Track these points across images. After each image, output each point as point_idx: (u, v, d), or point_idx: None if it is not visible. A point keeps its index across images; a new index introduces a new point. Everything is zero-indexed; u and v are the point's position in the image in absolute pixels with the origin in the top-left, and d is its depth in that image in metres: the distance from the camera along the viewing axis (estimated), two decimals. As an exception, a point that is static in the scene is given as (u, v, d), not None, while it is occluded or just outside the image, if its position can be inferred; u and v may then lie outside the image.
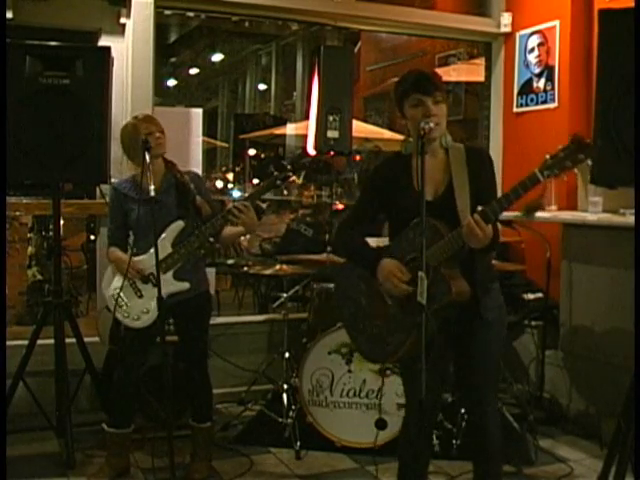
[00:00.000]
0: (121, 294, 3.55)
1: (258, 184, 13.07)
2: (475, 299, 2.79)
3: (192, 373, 3.75)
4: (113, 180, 4.01)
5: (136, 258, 3.52)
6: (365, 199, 3.07)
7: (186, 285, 3.56)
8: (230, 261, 6.83)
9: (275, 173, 3.51)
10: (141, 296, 3.56)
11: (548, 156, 2.50)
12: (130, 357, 3.65)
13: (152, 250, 3.39)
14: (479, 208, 2.58)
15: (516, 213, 4.40)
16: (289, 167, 3.52)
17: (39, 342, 3.86)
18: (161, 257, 3.47)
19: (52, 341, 3.88)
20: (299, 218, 6.89)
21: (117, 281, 3.58)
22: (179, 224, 3.56)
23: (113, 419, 3.69)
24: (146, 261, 3.50)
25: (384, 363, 3.66)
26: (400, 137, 8.43)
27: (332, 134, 4.51)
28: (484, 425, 2.89)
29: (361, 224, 3.01)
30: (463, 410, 3.99)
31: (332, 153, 4.66)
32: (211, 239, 3.63)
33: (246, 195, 3.63)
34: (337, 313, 3.28)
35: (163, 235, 3.53)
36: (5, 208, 3.86)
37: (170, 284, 3.51)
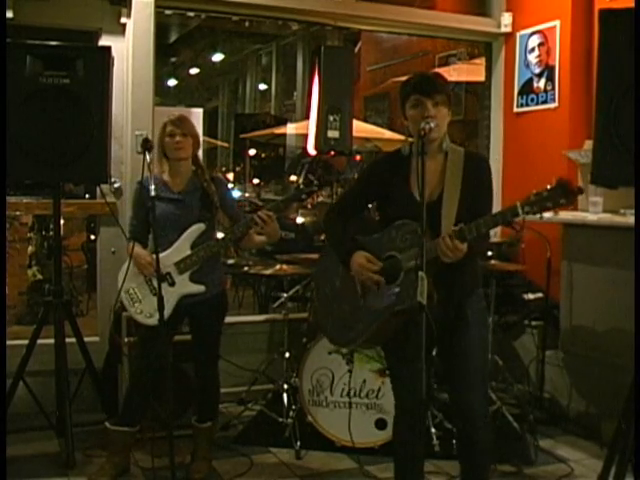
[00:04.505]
0: (136, 290, 3.57)
1: (258, 184, 13.09)
2: (458, 301, 2.82)
3: (202, 373, 3.75)
4: (113, 180, 4.03)
5: (154, 256, 3.53)
6: (358, 189, 3.11)
7: (202, 288, 3.57)
8: (230, 261, 6.82)
9: (301, 187, 3.55)
10: (156, 294, 3.55)
11: (534, 192, 2.52)
12: (145, 355, 3.65)
13: (170, 249, 3.43)
14: (455, 227, 2.62)
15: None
16: (315, 182, 3.56)
17: (39, 342, 3.86)
18: (179, 258, 3.53)
19: (52, 341, 3.87)
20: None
21: (136, 277, 3.59)
22: (200, 226, 3.57)
23: (123, 417, 3.68)
24: (164, 259, 3.49)
25: (343, 348, 3.81)
26: (400, 137, 8.45)
27: (332, 134, 4.51)
28: (471, 432, 2.88)
29: (349, 212, 3.06)
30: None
31: (332, 153, 4.66)
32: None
33: (269, 205, 3.65)
34: (314, 291, 3.36)
35: (183, 236, 3.55)
36: (5, 208, 3.86)
37: (186, 285, 3.54)
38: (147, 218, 3.61)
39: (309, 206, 7.98)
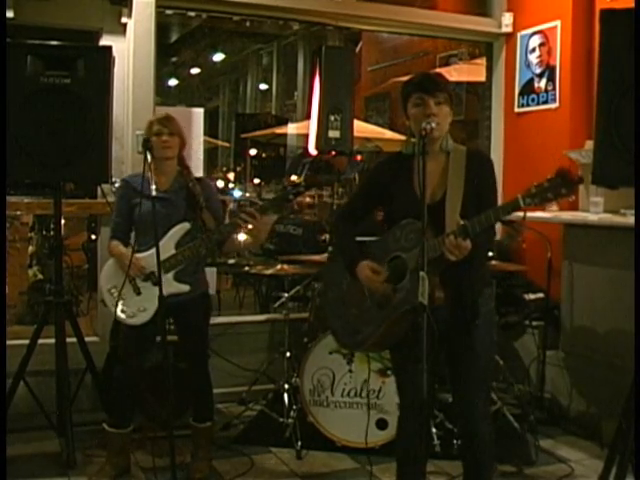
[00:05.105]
0: (118, 289, 3.56)
1: (259, 184, 13.08)
2: (470, 300, 2.82)
3: (191, 373, 3.75)
4: (114, 179, 4.02)
5: (138, 255, 3.52)
6: (363, 193, 3.13)
7: (186, 287, 3.57)
8: (231, 261, 6.82)
9: (289, 188, 3.56)
10: (139, 293, 3.56)
11: (534, 184, 2.52)
12: (128, 356, 3.65)
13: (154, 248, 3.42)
14: (460, 223, 2.61)
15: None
16: (302, 183, 3.57)
17: (40, 341, 3.86)
18: (164, 257, 3.48)
19: (53, 340, 3.88)
20: (284, 219, 6.90)
21: (118, 276, 3.57)
22: (185, 225, 3.57)
23: (113, 419, 3.69)
24: (148, 259, 3.48)
25: (352, 351, 3.80)
26: (401, 137, 8.45)
27: (333, 134, 4.51)
28: (474, 432, 2.88)
29: (356, 216, 3.07)
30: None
31: (333, 153, 4.66)
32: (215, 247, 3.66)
33: (256, 205, 3.66)
34: (322, 293, 3.36)
35: (168, 235, 3.54)
36: (5, 207, 3.86)
37: (170, 285, 3.52)
38: (131, 216, 3.61)
39: (296, 206, 8.03)
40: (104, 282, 3.65)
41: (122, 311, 3.56)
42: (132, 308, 3.55)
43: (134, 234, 3.66)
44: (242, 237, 3.69)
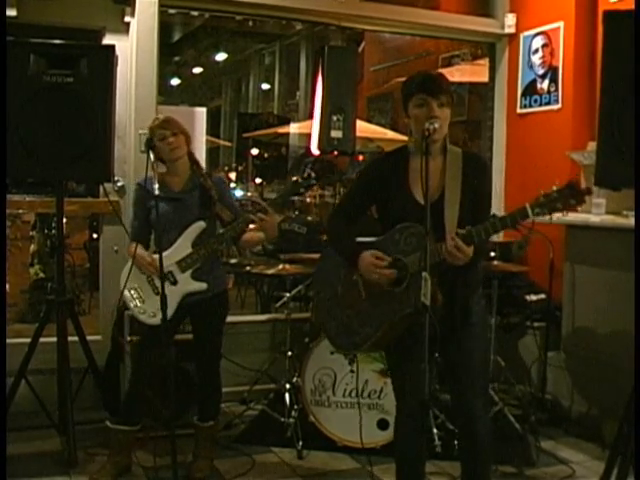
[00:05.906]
0: (139, 290, 3.57)
1: (261, 184, 13.08)
2: (464, 301, 2.83)
3: (204, 372, 3.75)
4: (117, 178, 4.03)
5: (156, 255, 3.53)
6: (358, 191, 3.09)
7: (204, 285, 3.58)
8: (233, 260, 6.83)
9: (299, 180, 3.55)
10: (158, 293, 3.56)
11: (543, 193, 2.52)
12: (147, 355, 3.65)
13: (171, 248, 3.44)
14: (460, 231, 2.61)
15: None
16: (313, 175, 3.55)
17: (41, 340, 3.86)
18: (180, 257, 3.54)
19: (54, 339, 3.88)
20: (289, 218, 6.92)
21: (138, 277, 3.59)
22: (200, 224, 3.58)
23: (123, 416, 3.68)
24: (165, 258, 3.48)
25: (349, 353, 3.72)
26: (403, 137, 8.44)
27: (336, 134, 4.52)
28: (472, 431, 2.87)
29: (349, 215, 3.04)
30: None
31: (335, 153, 4.66)
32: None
33: (268, 200, 3.67)
34: (315, 294, 3.35)
35: (184, 235, 3.56)
36: (5, 206, 3.86)
37: (188, 284, 3.55)
38: (148, 219, 3.63)
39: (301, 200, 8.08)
40: (124, 283, 3.65)
41: (142, 311, 3.58)
42: (152, 308, 3.55)
43: (154, 236, 3.68)
44: (256, 233, 3.68)
